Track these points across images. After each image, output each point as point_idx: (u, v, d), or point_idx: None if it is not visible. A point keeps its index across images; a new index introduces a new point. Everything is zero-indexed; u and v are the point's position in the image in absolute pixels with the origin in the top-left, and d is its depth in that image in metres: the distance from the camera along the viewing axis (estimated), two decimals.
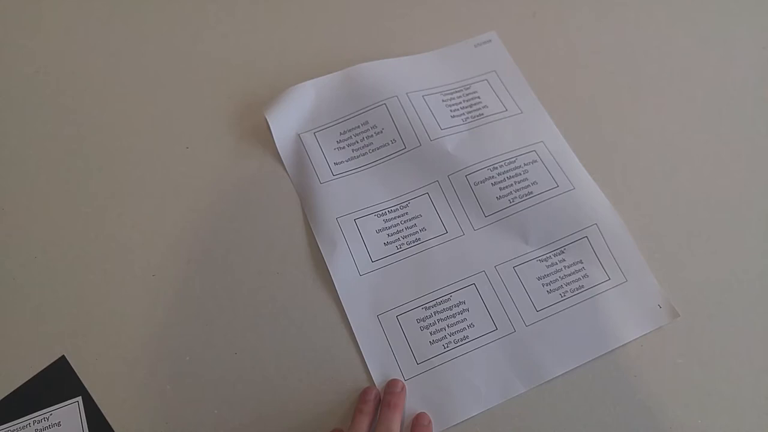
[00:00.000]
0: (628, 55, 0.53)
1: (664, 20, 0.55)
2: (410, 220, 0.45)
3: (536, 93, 0.51)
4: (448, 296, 0.42)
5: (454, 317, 0.42)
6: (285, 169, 0.48)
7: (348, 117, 0.49)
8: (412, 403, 0.39)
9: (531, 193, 0.46)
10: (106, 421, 0.39)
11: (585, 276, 0.43)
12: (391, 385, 0.39)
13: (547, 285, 0.43)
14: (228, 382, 0.40)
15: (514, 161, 0.47)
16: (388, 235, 0.45)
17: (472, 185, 0.46)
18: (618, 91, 0.51)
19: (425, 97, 0.49)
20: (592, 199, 0.46)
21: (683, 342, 0.41)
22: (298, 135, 0.49)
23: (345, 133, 0.49)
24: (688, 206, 0.46)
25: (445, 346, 0.41)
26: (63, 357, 0.41)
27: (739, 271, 0.44)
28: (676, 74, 0.52)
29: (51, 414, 0.39)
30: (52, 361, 0.41)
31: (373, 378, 0.40)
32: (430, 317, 0.42)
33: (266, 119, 0.48)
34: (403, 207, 0.46)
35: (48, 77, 0.52)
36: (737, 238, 0.45)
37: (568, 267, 0.43)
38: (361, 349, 0.41)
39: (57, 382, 0.40)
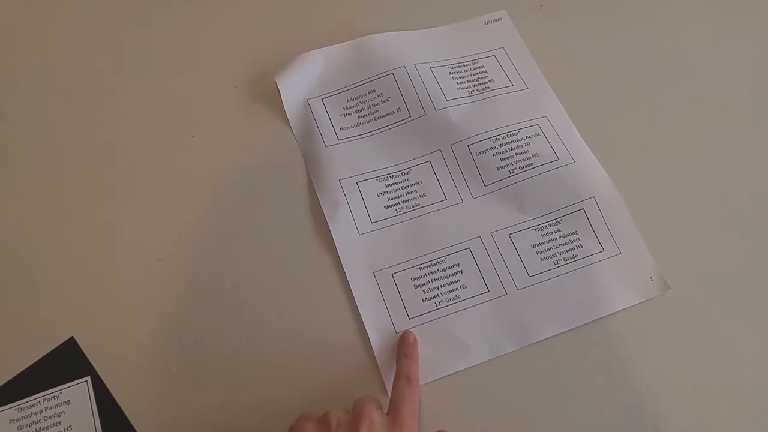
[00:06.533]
0: (636, 46, 0.53)
1: (668, 14, 0.55)
2: (411, 186, 0.47)
3: (543, 71, 0.52)
4: (443, 258, 0.44)
5: (448, 278, 0.43)
6: (293, 132, 0.49)
7: (355, 85, 0.50)
8: None
9: (531, 164, 0.47)
10: (114, 400, 0.40)
11: (579, 246, 0.44)
12: (404, 336, 0.40)
13: (541, 253, 0.44)
14: (233, 360, 0.41)
15: (517, 134, 0.48)
16: (389, 199, 0.46)
17: (474, 155, 0.47)
18: (623, 78, 0.51)
19: (432, 68, 0.50)
20: (591, 173, 0.47)
21: (671, 314, 0.42)
22: (307, 100, 0.50)
23: (352, 100, 0.50)
24: (687, 186, 0.46)
25: (437, 304, 0.42)
26: (72, 338, 0.41)
27: (735, 252, 0.44)
28: (681, 61, 0.52)
29: (60, 393, 0.40)
30: (61, 342, 0.41)
31: (367, 329, 0.41)
32: (424, 276, 0.43)
33: (276, 84, 0.50)
34: (405, 173, 0.47)
35: (49, 69, 0.53)
36: (734, 220, 0.45)
37: (563, 237, 0.44)
38: (357, 303, 0.42)
39: (66, 362, 0.41)
